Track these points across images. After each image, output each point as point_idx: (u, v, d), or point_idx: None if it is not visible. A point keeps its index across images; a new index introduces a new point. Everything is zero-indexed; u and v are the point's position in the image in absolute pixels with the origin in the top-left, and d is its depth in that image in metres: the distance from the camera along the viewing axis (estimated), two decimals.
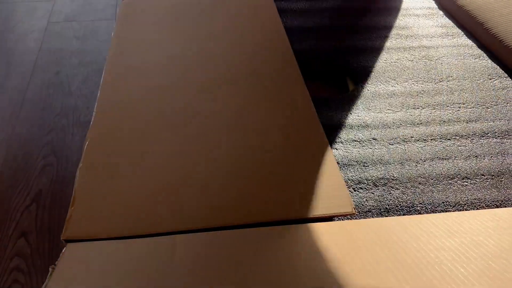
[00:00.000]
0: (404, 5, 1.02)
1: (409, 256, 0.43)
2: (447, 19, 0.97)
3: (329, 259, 0.43)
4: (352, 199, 0.56)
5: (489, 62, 0.83)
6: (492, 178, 0.60)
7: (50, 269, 0.42)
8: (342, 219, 0.52)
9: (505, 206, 0.56)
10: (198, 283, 0.41)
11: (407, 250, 0.44)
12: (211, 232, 0.47)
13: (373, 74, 0.80)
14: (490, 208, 0.56)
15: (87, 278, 0.42)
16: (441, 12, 0.99)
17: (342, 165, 0.61)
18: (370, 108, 0.72)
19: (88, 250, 0.46)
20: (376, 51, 0.86)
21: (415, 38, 0.90)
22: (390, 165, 0.61)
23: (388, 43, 0.89)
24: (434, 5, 1.02)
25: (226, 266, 0.43)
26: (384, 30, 0.93)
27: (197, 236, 0.47)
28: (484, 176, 0.60)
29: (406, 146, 0.65)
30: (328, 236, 0.46)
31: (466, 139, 0.66)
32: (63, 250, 0.45)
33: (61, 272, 0.42)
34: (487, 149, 0.65)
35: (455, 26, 0.94)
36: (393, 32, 0.92)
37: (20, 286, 0.55)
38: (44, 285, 0.40)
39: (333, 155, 0.57)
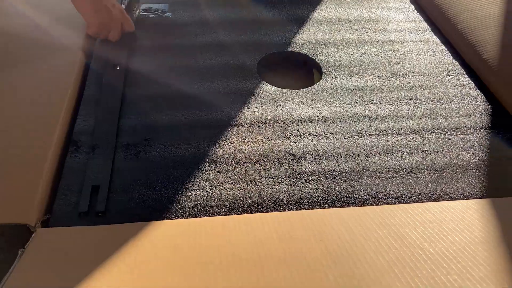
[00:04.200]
0: None
1: (339, 247, 0.48)
2: (417, 13, 1.00)
3: (267, 249, 0.48)
4: (303, 190, 0.61)
5: (450, 59, 0.87)
6: (434, 173, 0.65)
7: (19, 252, 0.47)
8: (289, 210, 0.58)
9: (441, 200, 0.61)
10: None
11: (339, 242, 0.49)
12: None
13: (338, 68, 0.84)
14: (429, 201, 0.61)
15: (55, 262, 0.47)
16: (412, 6, 1.02)
17: (298, 157, 0.66)
18: (331, 102, 0.76)
19: (57, 235, 0.51)
20: (345, 44, 0.90)
21: (384, 32, 0.94)
22: (342, 159, 0.66)
23: (357, 37, 0.92)
24: None
25: None
26: (355, 23, 0.96)
27: None
28: (428, 170, 0.66)
29: (359, 140, 0.69)
30: (272, 226, 0.52)
31: (416, 134, 0.71)
32: (32, 235, 0.50)
33: (29, 255, 0.47)
34: (434, 145, 0.70)
35: (424, 21, 0.98)
36: (364, 25, 0.96)
37: None
38: (13, 267, 0.45)
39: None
